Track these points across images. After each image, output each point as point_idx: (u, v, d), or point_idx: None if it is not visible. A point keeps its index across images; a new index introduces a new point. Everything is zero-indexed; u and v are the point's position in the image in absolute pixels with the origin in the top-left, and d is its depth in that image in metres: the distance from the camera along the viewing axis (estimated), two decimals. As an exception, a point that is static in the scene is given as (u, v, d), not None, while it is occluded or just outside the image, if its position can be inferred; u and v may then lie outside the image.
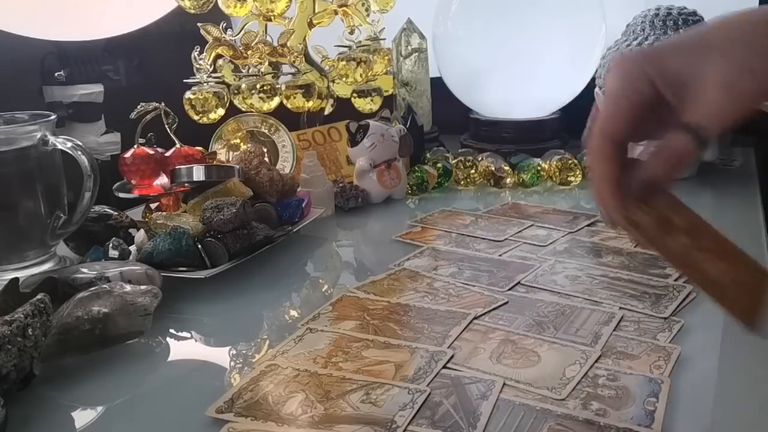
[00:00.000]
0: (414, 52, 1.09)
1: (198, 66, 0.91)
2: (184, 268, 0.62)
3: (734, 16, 0.39)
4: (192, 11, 0.93)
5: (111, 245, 0.64)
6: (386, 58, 1.03)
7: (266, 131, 0.91)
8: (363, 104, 1.02)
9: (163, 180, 0.77)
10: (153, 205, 0.76)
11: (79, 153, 0.65)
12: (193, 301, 0.61)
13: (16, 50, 0.91)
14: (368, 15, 1.01)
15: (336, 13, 0.99)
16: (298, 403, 0.43)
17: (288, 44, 0.95)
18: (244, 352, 0.51)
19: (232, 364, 0.50)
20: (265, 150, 0.89)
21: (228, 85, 0.94)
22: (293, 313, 0.59)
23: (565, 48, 1.03)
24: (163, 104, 0.77)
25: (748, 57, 0.36)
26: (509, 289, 0.59)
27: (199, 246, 0.63)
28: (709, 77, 0.37)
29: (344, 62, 0.98)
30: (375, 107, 1.01)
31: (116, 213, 0.71)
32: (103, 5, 0.90)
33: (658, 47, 0.39)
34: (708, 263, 0.41)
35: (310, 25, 1.00)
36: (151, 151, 0.77)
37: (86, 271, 0.56)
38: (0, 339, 0.42)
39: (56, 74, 0.95)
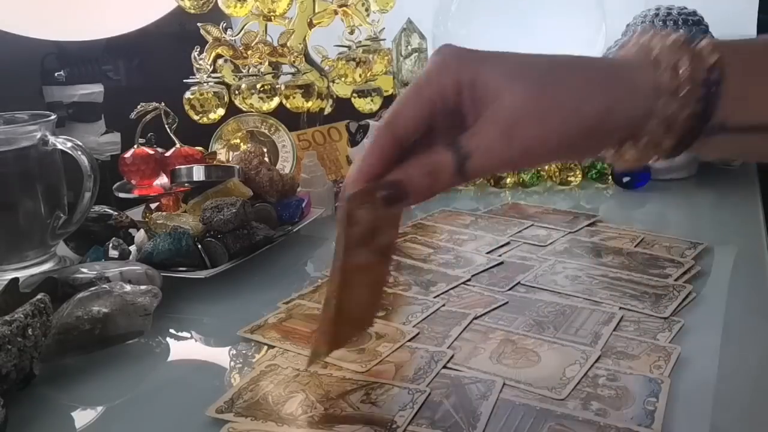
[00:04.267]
0: (414, 52, 1.09)
1: (198, 66, 0.91)
2: (184, 268, 0.62)
3: (579, 58, 0.36)
4: (192, 11, 0.93)
5: (111, 245, 0.64)
6: (386, 58, 1.03)
7: (266, 131, 0.91)
8: (363, 104, 1.01)
9: (163, 180, 0.77)
10: (153, 205, 0.76)
11: (79, 153, 0.65)
12: (193, 301, 0.61)
13: (16, 50, 0.91)
14: (368, 15, 1.01)
15: (336, 13, 0.99)
16: (298, 403, 0.43)
17: (288, 44, 0.95)
18: (244, 352, 0.51)
19: (232, 364, 0.50)
20: (265, 150, 0.89)
21: (228, 85, 0.94)
22: (293, 313, 0.59)
23: (565, 48, 1.03)
24: (163, 104, 0.77)
25: (549, 102, 0.34)
26: (509, 289, 0.59)
27: (199, 246, 0.63)
28: (500, 112, 0.34)
29: (344, 62, 0.98)
30: (375, 107, 1.01)
31: (116, 213, 0.71)
32: (103, 5, 0.90)
33: (489, 54, 0.35)
34: (351, 295, 0.40)
35: (310, 25, 1.00)
36: (151, 151, 0.77)
37: (86, 271, 0.56)
38: (0, 339, 0.43)
39: (56, 74, 0.95)
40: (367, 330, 0.47)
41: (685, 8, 0.95)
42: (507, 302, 0.57)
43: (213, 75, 0.93)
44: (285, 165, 0.89)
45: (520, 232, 0.74)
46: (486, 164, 0.34)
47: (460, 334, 0.51)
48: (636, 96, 0.34)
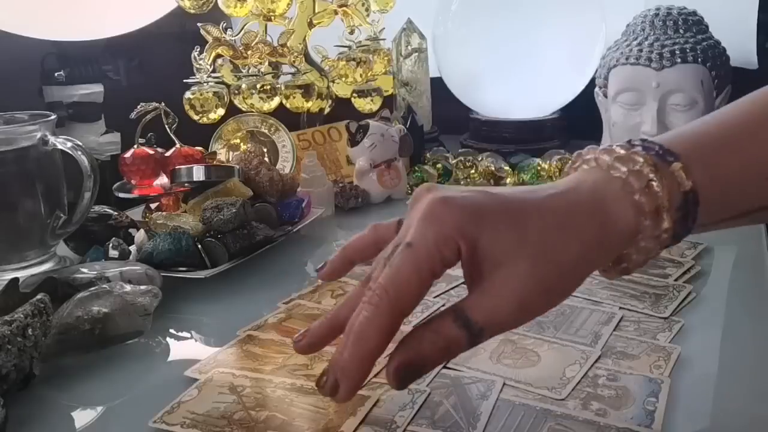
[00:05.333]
0: (414, 52, 1.09)
1: (198, 66, 0.91)
2: (184, 268, 0.62)
3: (566, 192, 0.35)
4: (192, 11, 0.93)
5: (111, 245, 0.64)
6: (386, 58, 1.03)
7: (266, 131, 0.91)
8: (363, 104, 1.01)
9: (163, 180, 0.77)
10: (153, 205, 0.76)
11: (79, 153, 0.65)
12: (193, 301, 0.61)
13: (16, 50, 0.90)
14: (368, 15, 1.01)
15: (336, 13, 0.99)
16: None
17: (288, 44, 0.95)
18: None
19: (232, 364, 0.50)
20: (265, 150, 0.89)
21: (228, 85, 0.94)
22: (293, 313, 0.59)
23: (565, 48, 1.03)
24: (163, 104, 0.77)
25: (552, 270, 0.34)
26: (509, 289, 0.59)
27: (199, 246, 0.63)
28: (508, 286, 0.33)
29: (344, 62, 0.98)
30: (375, 107, 1.01)
31: (116, 213, 0.71)
32: (103, 5, 0.90)
33: (484, 207, 0.34)
34: None
35: (310, 25, 1.00)
36: (151, 151, 0.77)
37: (86, 271, 0.56)
38: (0, 339, 0.43)
39: (56, 74, 0.95)
40: None
41: (685, 8, 0.95)
42: (507, 302, 0.57)
43: (213, 75, 0.93)
44: (285, 165, 0.89)
45: (520, 232, 0.74)
46: (496, 334, 0.34)
47: (460, 334, 0.51)
48: (623, 234, 0.35)
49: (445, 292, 0.59)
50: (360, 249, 0.43)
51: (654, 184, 0.34)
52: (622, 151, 0.36)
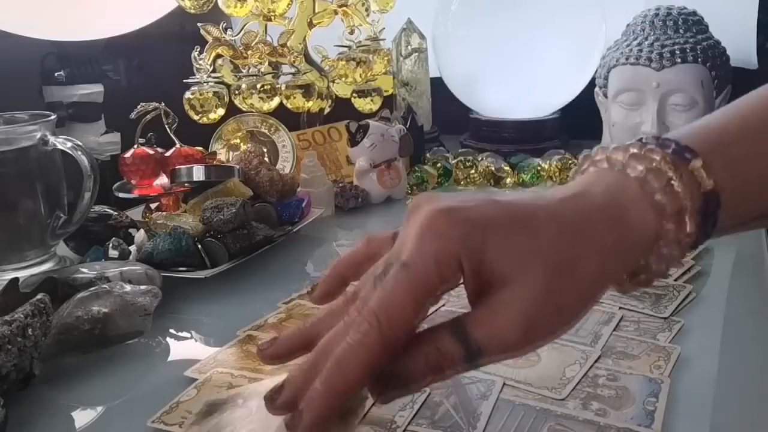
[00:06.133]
0: (414, 52, 1.09)
1: (198, 66, 0.91)
2: (184, 268, 0.62)
3: (577, 197, 0.32)
4: (192, 11, 0.93)
5: (111, 245, 0.64)
6: (386, 58, 1.03)
7: (266, 131, 0.91)
8: (363, 104, 1.02)
9: (163, 180, 0.77)
10: (153, 205, 0.76)
11: (79, 153, 0.65)
12: (193, 301, 0.61)
13: (16, 50, 0.90)
14: (368, 15, 1.01)
15: (336, 13, 0.99)
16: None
17: (288, 44, 0.95)
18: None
19: (232, 364, 0.50)
20: (265, 150, 0.89)
21: (228, 85, 0.94)
22: (293, 313, 0.59)
23: (565, 48, 1.03)
24: (163, 104, 0.77)
25: (567, 285, 0.30)
26: (509, 289, 0.59)
27: (199, 246, 0.63)
28: (515, 304, 0.29)
29: (344, 62, 0.98)
30: (375, 107, 1.01)
31: (116, 213, 0.71)
32: (103, 5, 0.90)
33: (486, 224, 0.30)
34: None
35: (310, 25, 1.00)
36: (151, 151, 0.77)
37: (86, 271, 0.56)
38: (0, 339, 0.43)
39: (56, 74, 0.95)
40: None
41: (685, 8, 0.95)
42: (507, 302, 0.56)
43: (213, 75, 0.93)
44: (285, 165, 0.89)
45: (520, 232, 0.74)
46: (498, 357, 0.30)
47: (460, 334, 0.51)
48: (643, 240, 0.32)
49: (445, 292, 0.59)
50: (353, 265, 0.38)
51: (674, 183, 0.31)
52: (636, 150, 0.33)
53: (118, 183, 0.78)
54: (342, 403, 0.30)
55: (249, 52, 0.93)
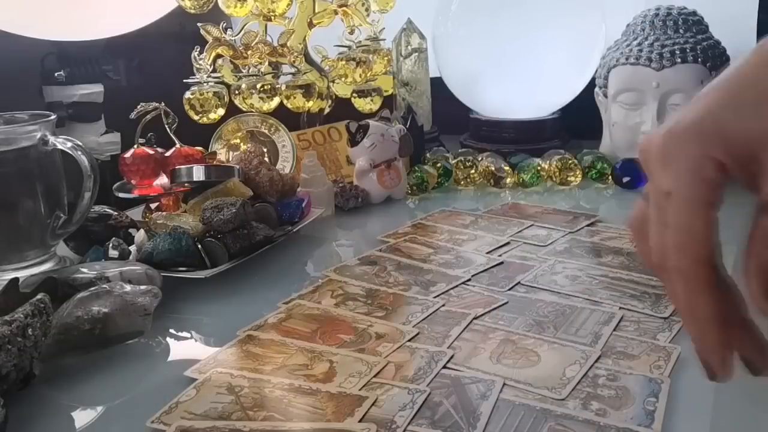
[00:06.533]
0: (414, 52, 1.09)
1: (198, 66, 0.91)
2: (184, 268, 0.62)
3: None
4: (192, 11, 0.93)
5: (111, 245, 0.64)
6: (386, 58, 1.03)
7: (266, 131, 0.91)
8: (363, 104, 1.01)
9: (163, 180, 0.77)
10: (153, 205, 0.76)
11: (79, 153, 0.65)
12: (193, 301, 0.61)
13: (16, 50, 0.90)
14: (368, 15, 1.01)
15: (336, 13, 0.99)
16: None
17: (288, 44, 0.95)
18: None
19: (232, 364, 0.50)
20: (265, 150, 0.89)
21: (228, 85, 0.94)
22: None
23: (565, 48, 1.03)
24: (163, 104, 0.77)
25: None
26: (509, 289, 0.59)
27: (199, 246, 0.63)
28: None
29: (344, 62, 0.98)
30: (375, 107, 1.01)
31: (116, 213, 0.71)
32: (103, 5, 0.90)
33: (708, 111, 0.30)
34: None
35: (310, 25, 1.00)
36: (151, 151, 0.77)
37: (86, 271, 0.56)
38: (0, 339, 0.43)
39: (56, 74, 0.95)
40: None
41: (685, 8, 0.95)
42: (507, 302, 0.57)
43: (213, 75, 0.93)
44: (285, 165, 0.89)
45: (520, 232, 0.74)
46: None
47: (460, 334, 0.51)
48: None
49: (445, 292, 0.59)
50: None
51: None
52: None
53: (118, 183, 0.78)
54: None
55: (249, 52, 0.93)
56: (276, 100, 0.94)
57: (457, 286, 0.60)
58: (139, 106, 0.77)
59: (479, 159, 0.97)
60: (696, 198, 0.30)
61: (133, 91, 1.08)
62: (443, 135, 1.14)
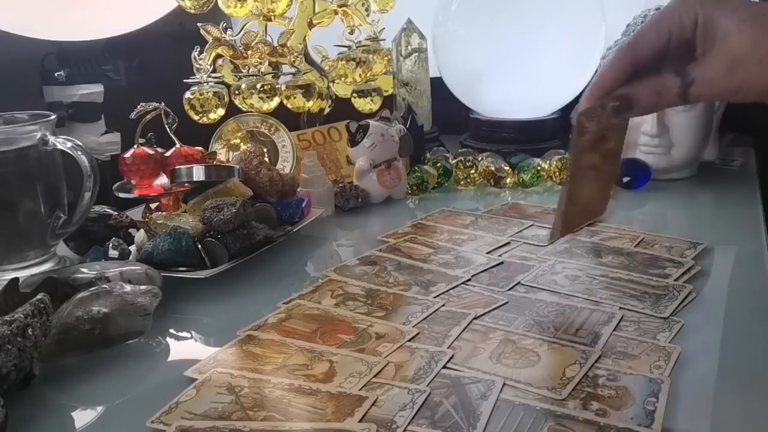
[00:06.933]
0: (414, 52, 1.09)
1: (198, 66, 0.91)
2: (184, 268, 0.62)
3: None
4: (192, 11, 0.93)
5: (111, 245, 0.64)
6: (386, 58, 1.03)
7: (266, 131, 0.91)
8: (363, 104, 1.01)
9: (163, 180, 0.77)
10: (153, 205, 0.76)
11: (79, 153, 0.65)
12: (193, 301, 0.61)
13: (16, 50, 0.91)
14: (368, 15, 1.01)
15: (336, 13, 0.99)
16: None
17: (288, 44, 0.95)
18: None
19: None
20: (265, 150, 0.89)
21: (228, 85, 0.94)
22: (293, 313, 0.59)
23: (565, 48, 1.03)
24: (163, 104, 0.77)
25: (766, 51, 0.38)
26: (509, 289, 0.59)
27: (199, 246, 0.63)
28: (727, 50, 0.39)
29: (344, 62, 0.98)
30: (375, 107, 1.01)
31: (116, 213, 0.71)
32: (103, 5, 0.90)
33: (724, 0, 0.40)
34: (581, 188, 0.50)
35: (310, 25, 1.00)
36: (151, 151, 0.77)
37: (86, 271, 0.56)
38: (0, 339, 0.43)
39: (56, 74, 0.95)
40: (598, 217, 0.55)
41: (685, 8, 0.95)
42: (507, 302, 0.57)
43: (213, 75, 0.93)
44: (285, 165, 0.89)
45: (520, 232, 0.74)
46: (706, 92, 0.40)
47: (460, 334, 0.51)
48: None
49: (445, 292, 0.59)
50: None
51: None
52: None
53: (118, 183, 0.78)
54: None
55: (249, 52, 0.92)
56: (276, 100, 0.94)
57: (457, 286, 0.60)
58: (139, 106, 0.77)
59: (479, 159, 0.97)
60: (667, 19, 0.42)
61: (133, 91, 1.08)
62: (443, 135, 1.14)
